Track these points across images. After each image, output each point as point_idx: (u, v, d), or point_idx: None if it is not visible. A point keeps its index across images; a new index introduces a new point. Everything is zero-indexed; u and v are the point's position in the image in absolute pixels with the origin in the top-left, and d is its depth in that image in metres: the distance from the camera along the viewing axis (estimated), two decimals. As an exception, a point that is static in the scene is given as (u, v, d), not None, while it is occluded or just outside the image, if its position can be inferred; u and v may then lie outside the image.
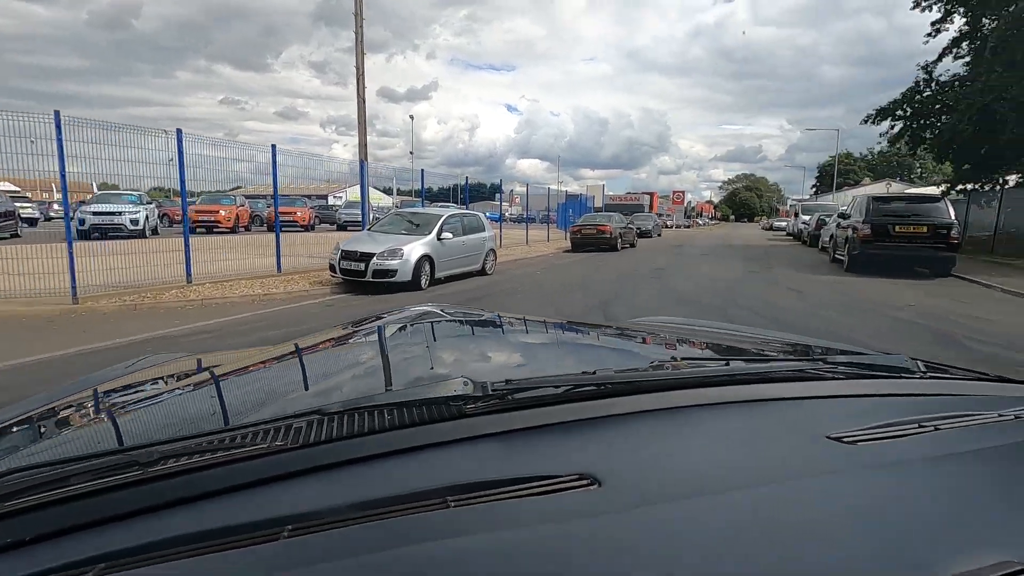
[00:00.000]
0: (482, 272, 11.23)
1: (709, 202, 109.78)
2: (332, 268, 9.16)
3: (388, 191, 26.08)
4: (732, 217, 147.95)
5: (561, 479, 0.55)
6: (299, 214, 23.14)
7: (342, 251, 9.05)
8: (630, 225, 21.52)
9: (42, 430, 0.91)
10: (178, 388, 1.10)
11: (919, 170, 66.92)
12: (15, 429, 0.88)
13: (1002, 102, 15.26)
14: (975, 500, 0.55)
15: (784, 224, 55.04)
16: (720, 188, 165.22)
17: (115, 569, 0.44)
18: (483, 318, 1.56)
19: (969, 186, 19.13)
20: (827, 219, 21.19)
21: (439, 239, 9.72)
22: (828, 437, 0.64)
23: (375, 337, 1.35)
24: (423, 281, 9.15)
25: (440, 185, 24.91)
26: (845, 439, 0.64)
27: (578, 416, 0.68)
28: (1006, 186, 18.08)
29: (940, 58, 18.92)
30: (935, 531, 0.49)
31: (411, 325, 1.41)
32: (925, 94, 19.08)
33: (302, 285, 9.16)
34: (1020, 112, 15.01)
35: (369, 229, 10.66)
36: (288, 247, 11.32)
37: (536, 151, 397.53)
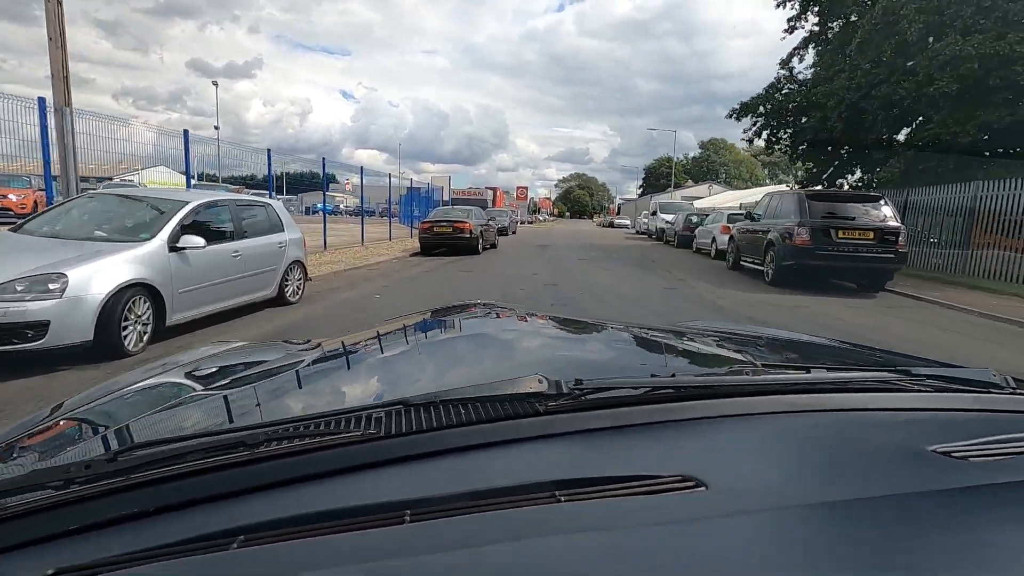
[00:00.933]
0: (279, 301, 6.52)
1: (548, 199, 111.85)
2: None
3: (210, 177, 18.53)
4: (568, 214, 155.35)
5: (664, 479, 0.54)
6: (12, 198, 15.51)
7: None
8: (491, 222, 17.74)
9: (133, 411, 0.94)
10: (263, 373, 1.09)
11: (724, 175, 74.22)
12: (103, 409, 0.93)
13: (870, 99, 14.55)
14: None
15: (626, 222, 57.16)
16: (556, 186, 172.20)
17: (253, 542, 0.45)
18: (542, 316, 1.58)
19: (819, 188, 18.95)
20: (696, 218, 19.79)
21: (174, 248, 4.82)
22: (934, 451, 0.61)
23: (438, 330, 1.40)
24: (133, 338, 4.28)
25: (281, 171, 18.27)
26: (954, 454, 0.61)
27: (661, 418, 0.67)
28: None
29: (792, 56, 18.39)
30: None
31: (468, 319, 1.46)
32: (784, 91, 18.37)
33: None
34: (887, 110, 14.43)
35: (17, 228, 5.16)
36: None
37: (375, 141, 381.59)
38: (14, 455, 0.78)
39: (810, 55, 18.15)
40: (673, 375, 0.75)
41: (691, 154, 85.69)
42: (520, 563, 0.42)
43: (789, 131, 18.20)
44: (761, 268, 10.37)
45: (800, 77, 18.25)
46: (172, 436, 0.63)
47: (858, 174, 18.39)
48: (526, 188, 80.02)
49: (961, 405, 0.77)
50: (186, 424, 0.85)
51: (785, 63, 18.49)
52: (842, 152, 17.38)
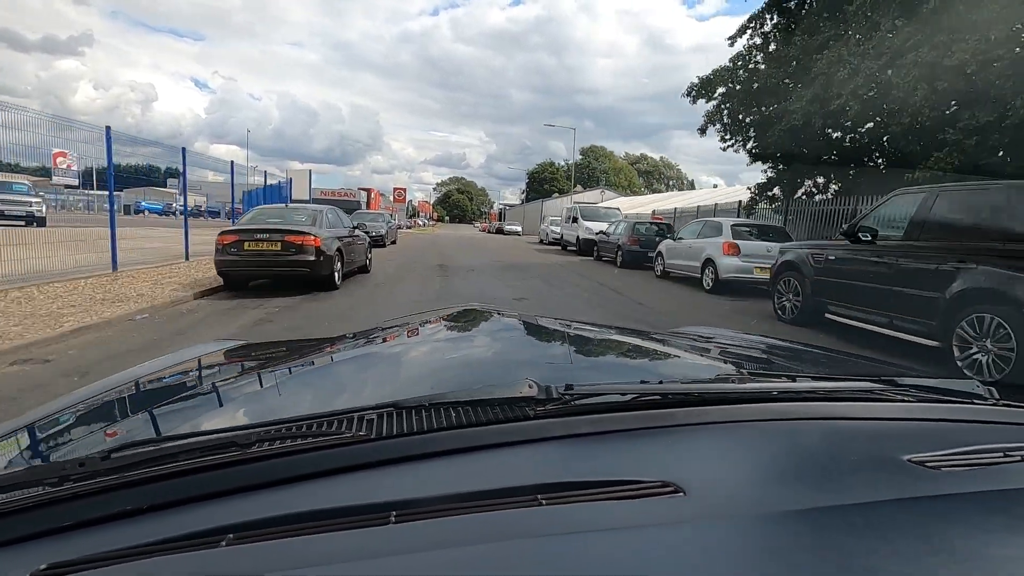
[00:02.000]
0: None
1: (427, 202, 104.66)
2: None
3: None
4: (447, 218, 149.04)
5: (644, 484, 0.55)
6: None
7: None
8: (357, 232, 10.11)
9: (128, 408, 0.96)
10: (257, 373, 1.09)
11: (604, 181, 72.82)
12: (98, 406, 0.93)
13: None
14: None
15: (517, 228, 52.37)
16: (434, 189, 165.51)
17: (241, 540, 0.47)
18: (532, 320, 1.60)
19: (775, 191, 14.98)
20: (645, 229, 14.63)
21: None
22: (909, 461, 0.63)
23: (432, 333, 1.41)
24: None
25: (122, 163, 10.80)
26: (928, 463, 0.62)
27: (646, 424, 0.68)
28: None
29: (745, 31, 14.14)
30: None
31: (461, 322, 1.50)
32: (746, 69, 13.98)
33: None
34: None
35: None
36: None
37: (235, 136, 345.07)
38: (13, 449, 0.78)
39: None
40: (661, 382, 0.76)
41: (570, 160, 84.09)
42: (499, 564, 0.43)
43: (751, 119, 13.80)
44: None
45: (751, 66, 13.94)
46: (166, 435, 0.68)
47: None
48: (404, 190, 71.89)
49: (943, 415, 0.78)
50: (180, 423, 0.85)
51: (734, 38, 14.11)
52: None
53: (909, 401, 0.80)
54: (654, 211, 24.64)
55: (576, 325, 1.57)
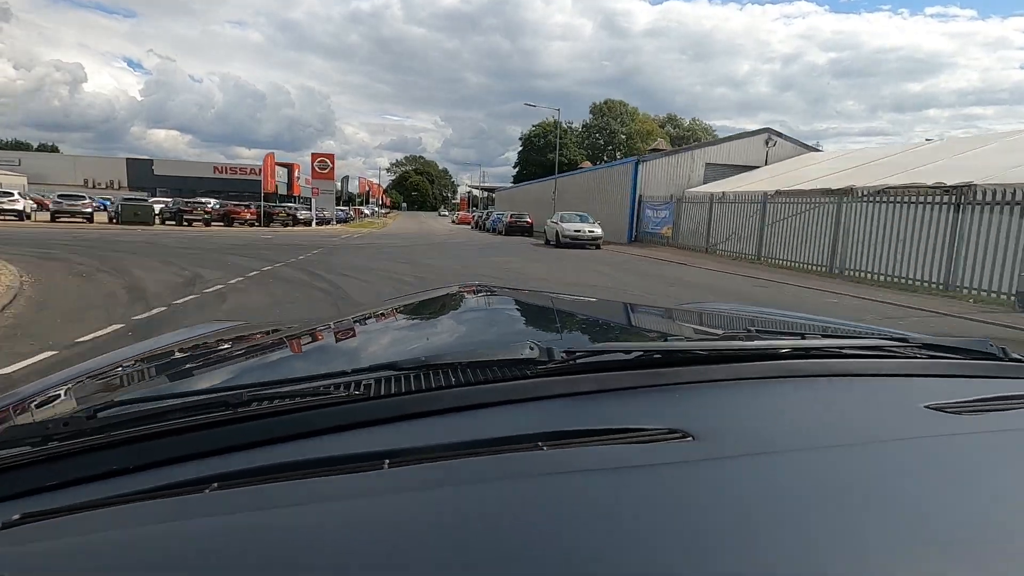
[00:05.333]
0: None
1: (378, 184, 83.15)
2: None
3: None
4: (405, 205, 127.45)
5: (651, 431, 0.54)
6: None
7: None
8: None
9: (120, 380, 0.96)
10: (255, 348, 1.11)
11: (625, 149, 53.93)
12: (89, 380, 0.93)
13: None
14: None
15: (483, 219, 33.14)
16: (387, 171, 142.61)
17: (227, 487, 0.46)
18: (535, 294, 1.66)
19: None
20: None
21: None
22: (927, 407, 0.62)
23: (433, 307, 1.40)
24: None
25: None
26: (947, 410, 0.61)
27: (652, 382, 0.66)
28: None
29: None
30: None
31: (463, 296, 1.46)
32: None
33: None
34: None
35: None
36: None
37: (176, 120, 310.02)
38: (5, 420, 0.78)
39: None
40: (666, 339, 0.73)
41: (575, 123, 63.99)
42: (499, 502, 0.43)
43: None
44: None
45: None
46: (153, 395, 0.66)
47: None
48: (330, 158, 39.10)
49: (955, 371, 0.77)
50: (174, 386, 0.85)
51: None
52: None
53: (920, 358, 0.79)
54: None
55: (579, 299, 1.66)
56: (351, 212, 45.59)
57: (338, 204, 46.93)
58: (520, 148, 64.74)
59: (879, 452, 0.51)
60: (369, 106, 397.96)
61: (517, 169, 63.74)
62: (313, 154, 38.81)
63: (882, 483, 0.46)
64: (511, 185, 49.31)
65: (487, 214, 36.11)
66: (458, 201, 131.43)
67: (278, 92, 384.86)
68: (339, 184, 49.47)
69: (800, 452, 0.51)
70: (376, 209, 68.81)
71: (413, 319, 1.30)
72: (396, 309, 1.33)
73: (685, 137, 60.17)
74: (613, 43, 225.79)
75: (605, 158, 53.89)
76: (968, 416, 0.60)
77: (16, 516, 0.43)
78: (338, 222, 36.60)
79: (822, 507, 0.42)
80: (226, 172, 51.00)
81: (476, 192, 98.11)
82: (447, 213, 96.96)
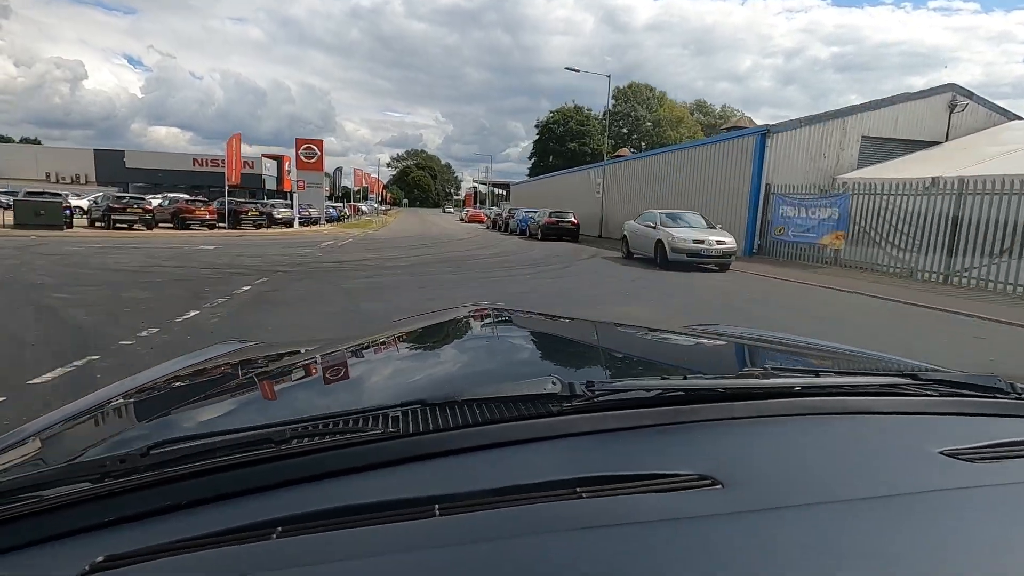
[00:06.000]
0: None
1: (376, 178, 76.62)
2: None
3: None
4: (406, 201, 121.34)
5: (682, 477, 0.55)
6: None
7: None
8: None
9: (157, 406, 0.99)
10: (280, 371, 1.14)
11: (652, 138, 47.76)
12: (126, 404, 0.98)
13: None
14: None
15: (508, 216, 27.14)
16: (388, 166, 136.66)
17: (290, 533, 0.48)
18: (550, 317, 1.67)
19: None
20: None
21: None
22: (942, 453, 0.62)
23: (447, 332, 1.41)
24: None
25: None
26: (961, 456, 0.62)
27: (673, 420, 0.68)
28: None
29: None
30: None
31: (476, 320, 1.49)
32: None
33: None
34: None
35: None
36: None
37: (176, 118, 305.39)
38: (46, 447, 0.80)
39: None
40: (684, 377, 0.77)
41: (593, 110, 57.38)
42: (545, 555, 0.44)
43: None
44: None
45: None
46: (202, 432, 0.70)
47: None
48: (318, 145, 32.39)
49: (967, 409, 0.78)
50: (210, 419, 0.87)
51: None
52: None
53: (933, 396, 0.80)
54: None
55: (595, 322, 1.65)
56: (345, 209, 39.42)
57: (331, 200, 40.76)
58: (536, 137, 57.83)
59: (900, 505, 0.52)
60: (370, 102, 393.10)
61: (533, 160, 57.18)
62: (298, 140, 32.61)
63: (904, 539, 0.46)
64: (529, 178, 43.08)
65: (509, 212, 29.89)
66: (461, 197, 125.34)
67: (279, 89, 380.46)
68: (331, 177, 43.40)
69: (821, 506, 0.51)
70: (375, 206, 62.82)
71: (433, 342, 1.35)
72: (409, 333, 1.37)
73: (715, 126, 53.91)
74: (615, 38, 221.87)
75: (631, 149, 47.76)
76: (982, 465, 0.60)
77: (100, 558, 0.45)
78: (328, 221, 30.48)
79: (838, 566, 0.43)
80: (206, 165, 44.79)
81: (482, 188, 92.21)
82: (452, 210, 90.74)
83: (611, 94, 54.07)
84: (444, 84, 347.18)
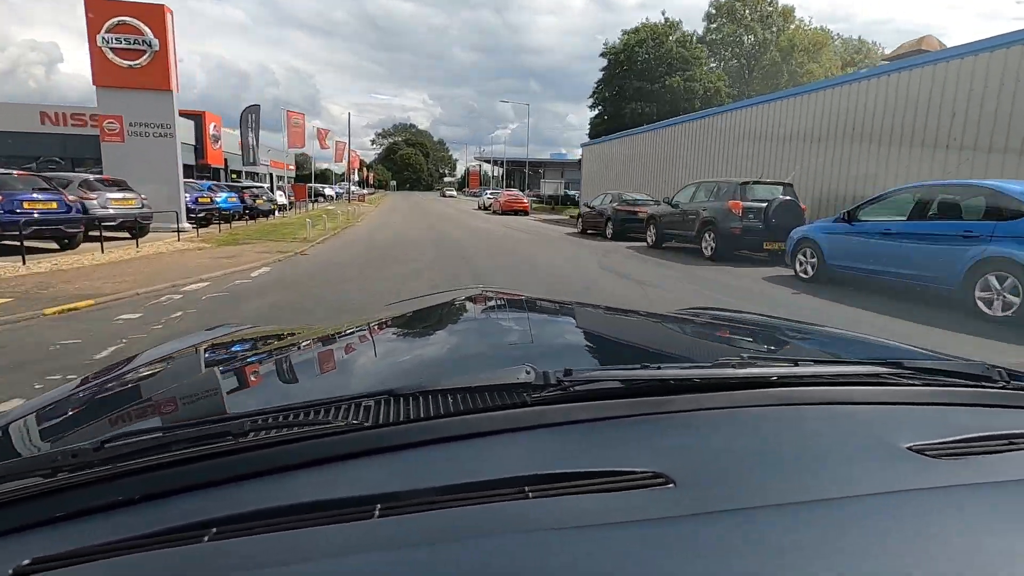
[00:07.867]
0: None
1: (355, 153, 59.11)
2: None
3: None
4: (394, 183, 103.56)
5: (635, 475, 0.55)
6: None
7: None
8: None
9: (133, 394, 0.97)
10: (257, 359, 1.12)
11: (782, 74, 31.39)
12: (97, 395, 0.95)
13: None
14: None
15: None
16: (373, 143, 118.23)
17: (223, 535, 0.47)
18: (536, 302, 1.60)
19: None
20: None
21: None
22: (909, 448, 0.61)
23: (434, 317, 1.41)
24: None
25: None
26: (927, 452, 0.61)
27: (643, 411, 0.67)
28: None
29: None
30: None
31: (465, 305, 1.49)
32: None
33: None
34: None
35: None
36: None
37: None
38: (11, 439, 0.78)
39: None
40: (659, 367, 0.75)
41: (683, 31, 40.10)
42: (483, 560, 0.43)
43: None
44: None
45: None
46: (160, 425, 0.68)
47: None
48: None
49: (948, 399, 0.77)
50: (178, 411, 0.85)
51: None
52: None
53: (914, 385, 0.78)
54: None
55: (580, 307, 1.60)
56: (280, 196, 22.83)
57: (251, 179, 24.16)
58: (601, 75, 38.82)
59: (854, 505, 0.50)
60: (357, 85, 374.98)
61: (597, 112, 39.43)
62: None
63: (852, 540, 0.45)
64: (612, 135, 25.88)
65: (631, 201, 14.60)
66: (456, 178, 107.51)
67: (262, 71, 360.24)
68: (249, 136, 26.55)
69: (774, 507, 0.50)
70: (356, 188, 45.92)
71: (416, 329, 1.32)
72: (397, 319, 1.35)
73: (853, 62, 37.27)
74: (605, 17, 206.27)
75: (749, 92, 31.44)
76: (946, 461, 0.59)
77: (26, 562, 0.45)
78: (225, 219, 14.14)
79: (777, 568, 0.42)
80: (63, 123, 27.48)
81: (486, 166, 74.87)
82: (454, 193, 72.99)
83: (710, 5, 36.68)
84: (431, 66, 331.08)
